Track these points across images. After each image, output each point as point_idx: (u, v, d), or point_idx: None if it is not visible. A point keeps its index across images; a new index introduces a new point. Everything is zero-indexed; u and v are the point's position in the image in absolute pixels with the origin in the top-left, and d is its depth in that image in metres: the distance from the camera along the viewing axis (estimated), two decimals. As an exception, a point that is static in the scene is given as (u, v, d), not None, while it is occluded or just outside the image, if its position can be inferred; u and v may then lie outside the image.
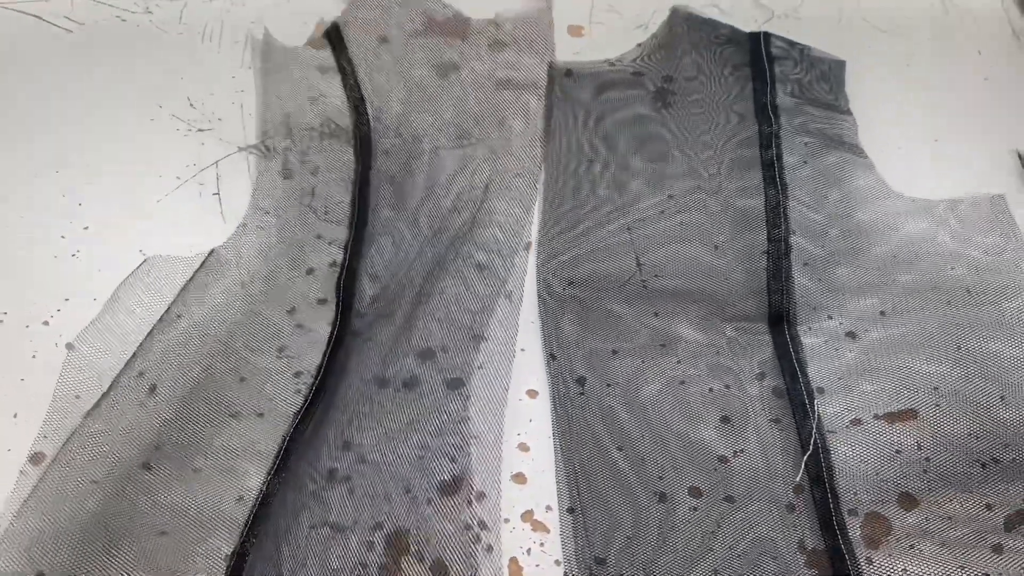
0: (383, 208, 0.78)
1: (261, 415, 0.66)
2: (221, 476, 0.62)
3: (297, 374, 0.68)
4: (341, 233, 0.76)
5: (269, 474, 0.62)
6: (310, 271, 0.74)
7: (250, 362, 0.69)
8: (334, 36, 0.89)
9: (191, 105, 0.84)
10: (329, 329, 0.70)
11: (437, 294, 0.72)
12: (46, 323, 0.70)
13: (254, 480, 0.62)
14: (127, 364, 0.67)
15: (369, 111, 0.84)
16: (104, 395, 0.66)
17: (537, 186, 0.80)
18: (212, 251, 0.74)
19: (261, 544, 0.59)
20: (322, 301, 0.72)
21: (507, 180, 0.80)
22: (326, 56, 0.88)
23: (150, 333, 0.69)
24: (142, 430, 0.64)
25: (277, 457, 0.63)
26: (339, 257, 0.74)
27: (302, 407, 0.66)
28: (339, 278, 0.73)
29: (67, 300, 0.71)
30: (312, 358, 0.69)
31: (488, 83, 0.87)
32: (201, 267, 0.73)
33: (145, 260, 0.73)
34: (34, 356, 0.68)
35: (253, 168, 0.80)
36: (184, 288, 0.72)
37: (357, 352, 0.69)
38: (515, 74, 0.87)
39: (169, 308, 0.70)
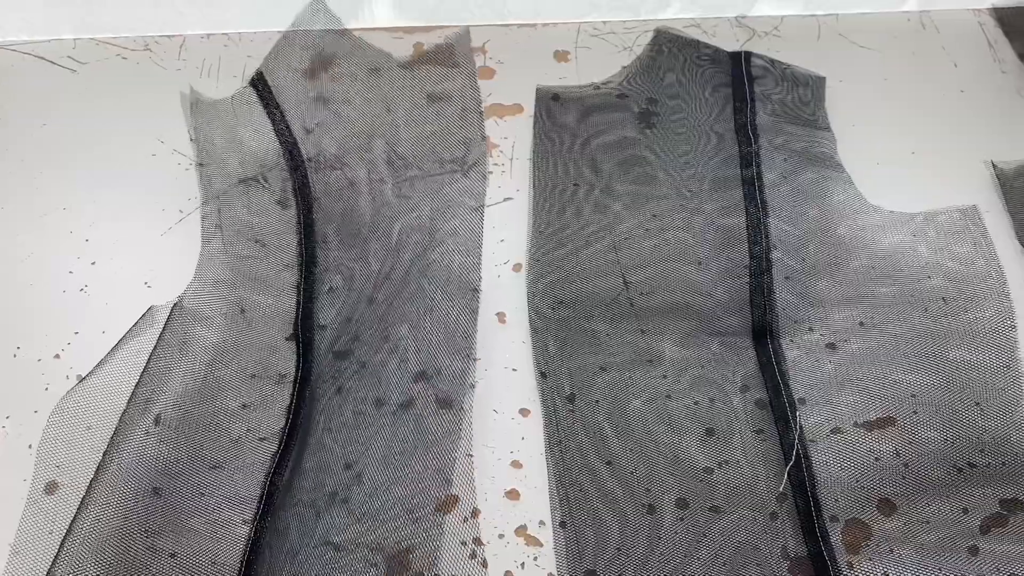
0: (331, 244, 0.80)
1: (264, 439, 0.68)
2: (225, 498, 0.65)
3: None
4: (295, 274, 0.78)
5: (266, 496, 0.65)
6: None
7: (250, 388, 0.71)
8: (260, 85, 0.89)
9: (192, 140, 0.87)
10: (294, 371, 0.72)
11: (421, 317, 0.75)
12: (57, 356, 0.73)
13: (255, 502, 0.65)
14: (133, 394, 0.70)
15: (303, 153, 0.85)
16: (113, 426, 0.68)
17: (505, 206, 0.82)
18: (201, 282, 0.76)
19: (265, 564, 0.62)
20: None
21: (454, 200, 0.82)
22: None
23: (154, 363, 0.72)
24: (149, 457, 0.67)
25: (272, 479, 0.65)
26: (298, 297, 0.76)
27: (284, 428, 0.68)
28: (296, 318, 0.75)
29: (76, 333, 0.74)
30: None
31: (423, 109, 0.89)
32: (197, 296, 0.75)
33: (149, 309, 0.74)
34: (46, 388, 0.71)
35: (247, 198, 0.83)
36: (182, 318, 0.74)
37: (349, 377, 0.72)
38: (445, 93, 0.90)
39: (170, 338, 0.73)
